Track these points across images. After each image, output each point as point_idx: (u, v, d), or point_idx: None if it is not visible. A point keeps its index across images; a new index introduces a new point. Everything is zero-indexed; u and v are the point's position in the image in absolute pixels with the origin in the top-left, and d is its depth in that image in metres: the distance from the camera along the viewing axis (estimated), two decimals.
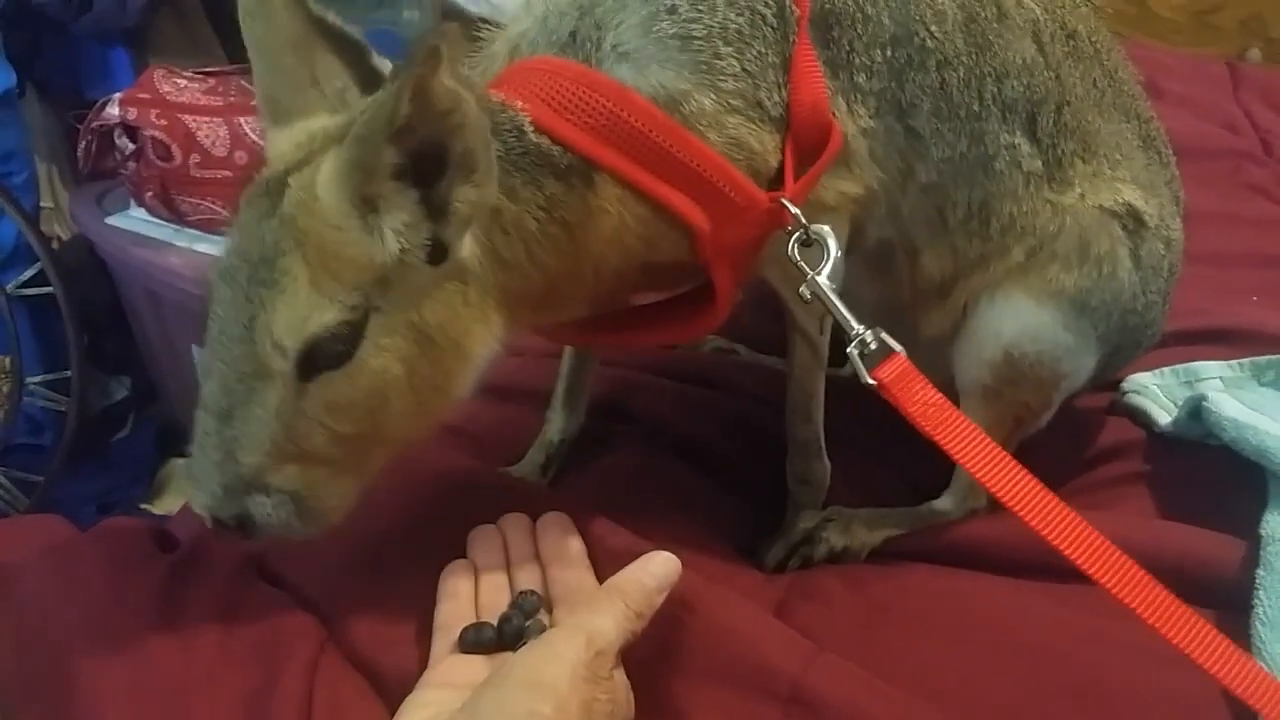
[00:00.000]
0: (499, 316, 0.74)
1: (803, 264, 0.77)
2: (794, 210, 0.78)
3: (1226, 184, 1.62)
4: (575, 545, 0.81)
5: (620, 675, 0.69)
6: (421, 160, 0.66)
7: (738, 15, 0.78)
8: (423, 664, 0.72)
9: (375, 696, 0.76)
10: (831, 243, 0.78)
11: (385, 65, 0.75)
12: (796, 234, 0.78)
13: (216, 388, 0.68)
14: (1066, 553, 0.67)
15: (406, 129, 0.63)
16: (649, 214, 0.78)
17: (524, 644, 0.71)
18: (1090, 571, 0.66)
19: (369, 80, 0.74)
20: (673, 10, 0.77)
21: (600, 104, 0.74)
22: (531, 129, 0.72)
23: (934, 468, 0.93)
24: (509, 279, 0.74)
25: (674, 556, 0.73)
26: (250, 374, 0.67)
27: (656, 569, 0.72)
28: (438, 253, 0.69)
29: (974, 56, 0.86)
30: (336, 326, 0.66)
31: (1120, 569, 0.66)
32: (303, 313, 0.65)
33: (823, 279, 0.76)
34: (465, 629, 0.74)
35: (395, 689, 0.72)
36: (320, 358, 0.67)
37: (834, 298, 0.76)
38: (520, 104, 0.73)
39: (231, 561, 0.85)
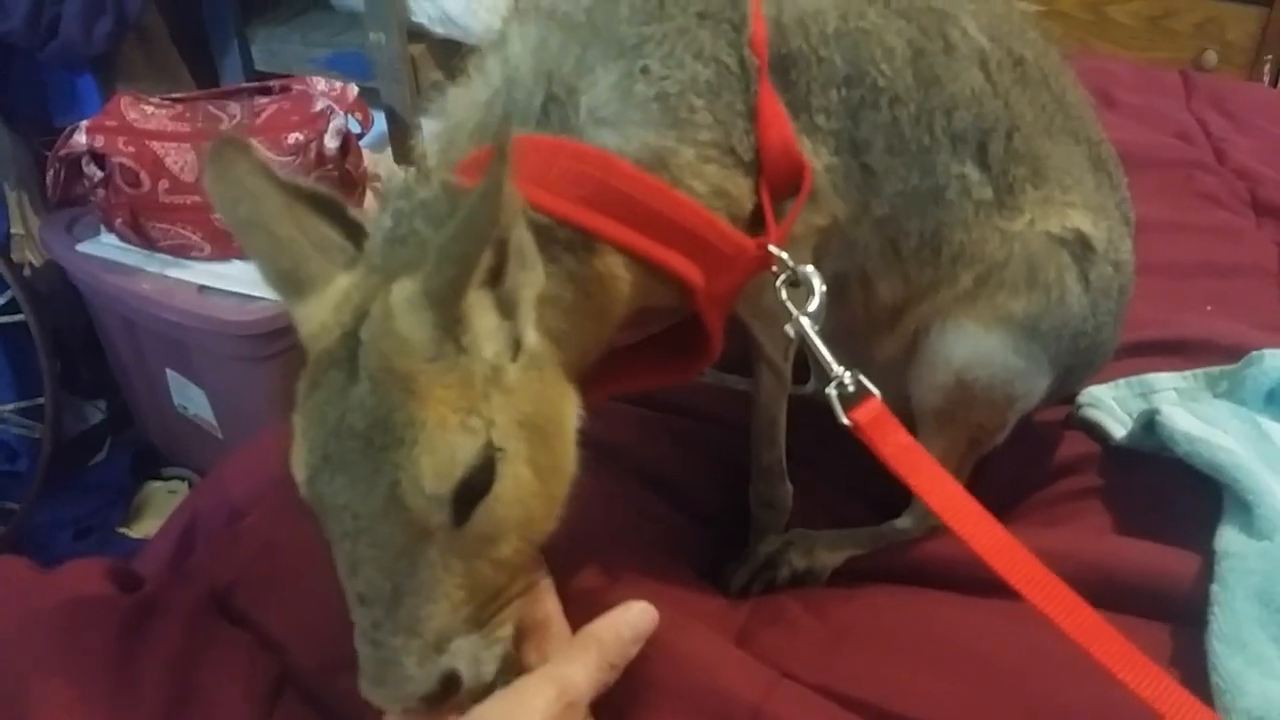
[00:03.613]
0: (570, 386, 0.73)
1: (790, 305, 0.79)
2: (782, 255, 0.80)
3: (1179, 194, 1.62)
4: (543, 578, 0.81)
5: None
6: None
7: (704, 67, 0.79)
8: None
9: None
10: (817, 283, 0.79)
11: (362, 215, 0.73)
12: (784, 276, 0.80)
13: (374, 576, 0.63)
14: (1032, 598, 0.70)
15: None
16: (648, 274, 0.78)
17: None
18: (1064, 626, 0.69)
19: (354, 234, 0.72)
20: (645, 70, 0.77)
21: (588, 174, 0.73)
22: (530, 208, 0.71)
23: (894, 487, 0.94)
24: (564, 351, 0.73)
25: (651, 607, 0.74)
26: (408, 544, 0.63)
27: (634, 619, 0.73)
28: (514, 347, 0.67)
29: (923, 92, 0.87)
30: (479, 454, 0.63)
31: (1083, 616, 0.69)
32: (445, 456, 0.61)
33: (806, 320, 0.78)
34: None
35: None
36: (471, 493, 0.63)
37: (818, 340, 0.78)
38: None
39: (192, 603, 0.85)
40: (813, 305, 0.79)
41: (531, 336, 0.69)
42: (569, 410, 0.72)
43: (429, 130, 0.81)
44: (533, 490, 0.67)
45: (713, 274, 0.79)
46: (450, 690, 0.66)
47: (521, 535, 0.67)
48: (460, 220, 0.60)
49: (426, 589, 0.64)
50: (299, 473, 0.66)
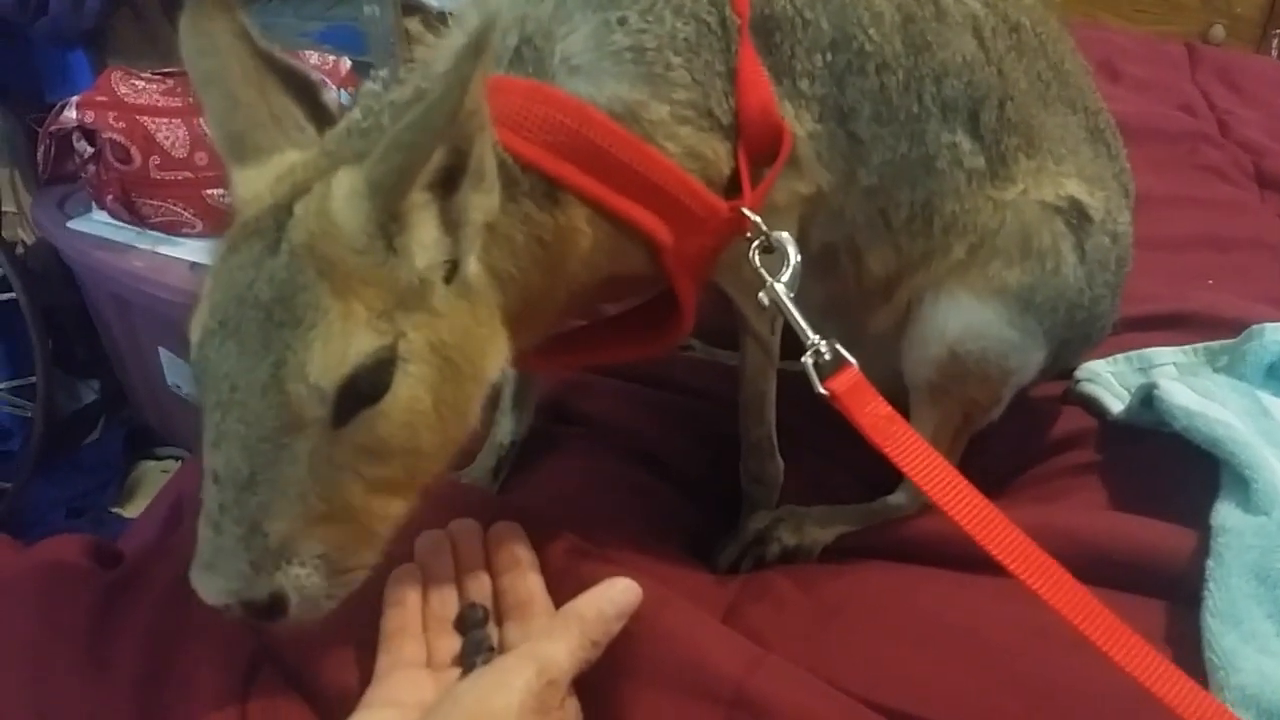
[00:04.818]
0: (504, 333, 0.71)
1: (763, 271, 0.78)
2: (755, 218, 0.78)
3: (1183, 167, 1.61)
4: (526, 555, 0.80)
5: (572, 703, 0.69)
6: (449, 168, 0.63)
7: (684, 24, 0.77)
8: (365, 680, 0.71)
9: (314, 717, 0.75)
10: (791, 249, 0.78)
11: (333, 101, 0.72)
12: (757, 241, 0.78)
13: (234, 454, 0.60)
14: (1009, 566, 0.69)
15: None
16: (614, 230, 0.77)
17: (471, 662, 0.71)
18: (1035, 587, 0.68)
19: (322, 118, 0.71)
20: (623, 21, 0.75)
21: (559, 121, 0.72)
22: (499, 144, 0.70)
23: (886, 463, 0.93)
24: (505, 295, 0.71)
25: (635, 584, 0.73)
26: (278, 429, 0.60)
27: (617, 596, 0.72)
28: (450, 269, 0.66)
29: (912, 58, 0.85)
30: (376, 354, 0.61)
31: (1058, 583, 0.68)
32: (339, 347, 0.59)
33: (781, 287, 0.77)
34: (462, 612, 0.74)
35: (336, 707, 0.71)
36: (357, 396, 0.61)
37: (792, 306, 0.77)
38: None
39: (171, 578, 0.84)
40: (787, 272, 0.77)
41: (472, 265, 0.67)
42: (492, 357, 0.70)
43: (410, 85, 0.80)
44: (427, 421, 0.65)
45: (682, 234, 0.78)
46: (275, 611, 0.64)
47: (403, 463, 0.65)
48: (418, 110, 0.59)
49: (284, 483, 0.61)
50: (194, 334, 0.64)
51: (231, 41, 0.68)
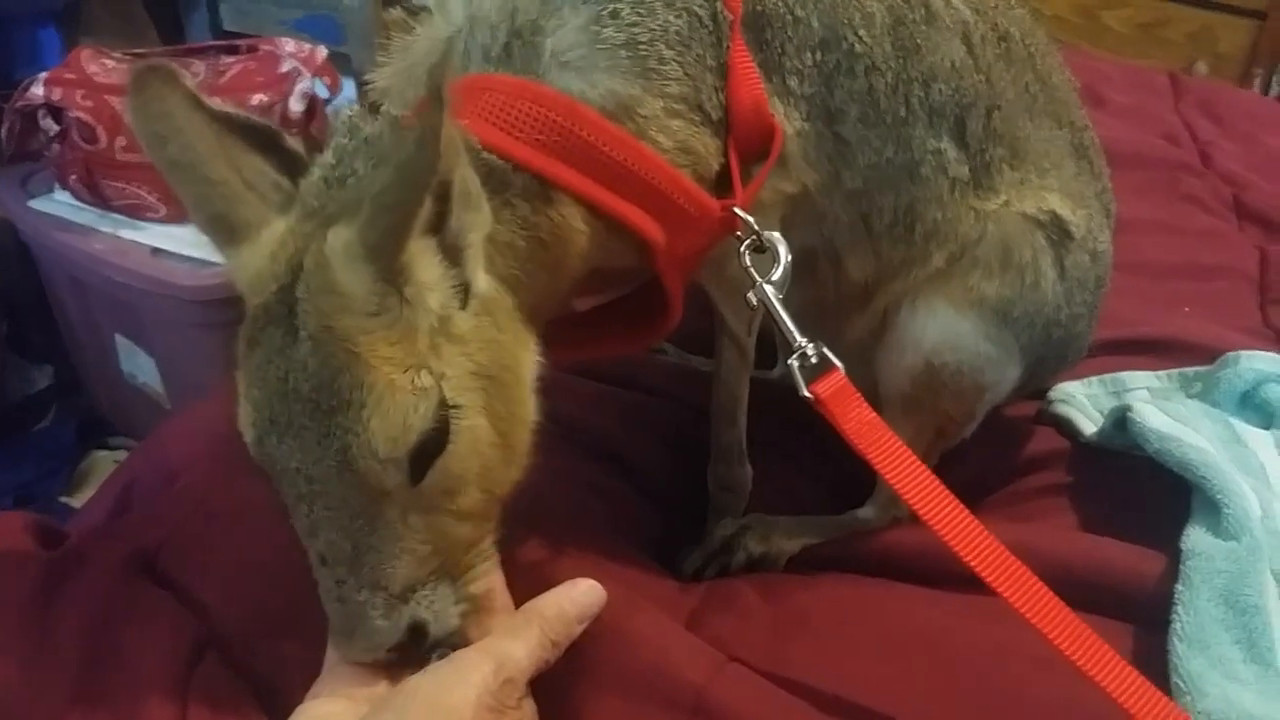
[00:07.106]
0: (528, 332, 0.70)
1: (753, 271, 0.77)
2: (747, 218, 0.77)
3: (1164, 195, 1.63)
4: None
5: (529, 704, 0.67)
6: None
7: (676, 17, 0.76)
8: (312, 672, 0.69)
9: (257, 706, 0.73)
10: (783, 249, 0.77)
11: (299, 145, 0.69)
12: (748, 241, 0.77)
13: (333, 536, 0.63)
14: (988, 579, 0.68)
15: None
16: (607, 228, 0.75)
17: (426, 657, 0.69)
18: (1013, 600, 0.67)
19: (290, 164, 0.68)
20: (615, 15, 0.74)
21: (550, 119, 0.70)
22: (480, 147, 0.68)
23: (856, 475, 0.92)
24: (517, 297, 0.70)
25: (598, 585, 0.72)
26: (363, 505, 0.62)
27: (579, 597, 0.71)
28: (462, 293, 0.65)
29: (901, 61, 0.84)
30: (432, 416, 0.61)
31: (1038, 598, 0.67)
32: (397, 417, 0.60)
33: (770, 288, 0.76)
34: None
35: (282, 698, 0.70)
36: (425, 454, 0.62)
37: (780, 307, 0.75)
38: (465, 122, 0.68)
39: (116, 561, 0.82)
40: (777, 272, 0.76)
41: (482, 281, 0.66)
42: (525, 357, 0.69)
43: (389, 70, 0.78)
44: (490, 440, 0.65)
45: (674, 233, 0.76)
46: (419, 639, 0.66)
47: (481, 486, 0.66)
48: (396, 169, 0.57)
49: (388, 546, 0.63)
50: (247, 434, 0.64)
51: (186, 114, 0.64)
